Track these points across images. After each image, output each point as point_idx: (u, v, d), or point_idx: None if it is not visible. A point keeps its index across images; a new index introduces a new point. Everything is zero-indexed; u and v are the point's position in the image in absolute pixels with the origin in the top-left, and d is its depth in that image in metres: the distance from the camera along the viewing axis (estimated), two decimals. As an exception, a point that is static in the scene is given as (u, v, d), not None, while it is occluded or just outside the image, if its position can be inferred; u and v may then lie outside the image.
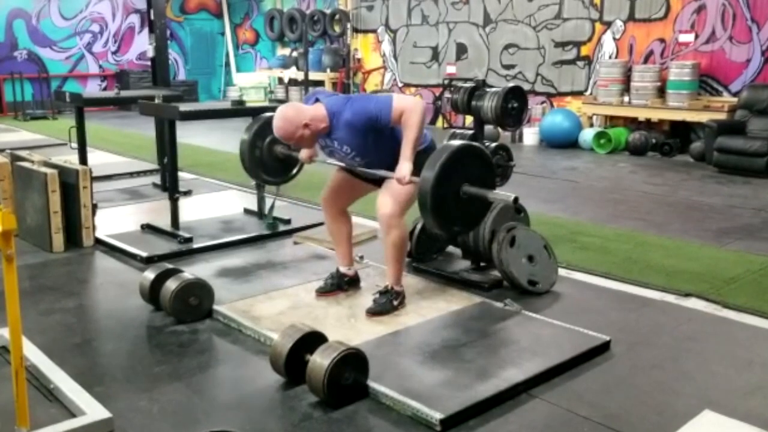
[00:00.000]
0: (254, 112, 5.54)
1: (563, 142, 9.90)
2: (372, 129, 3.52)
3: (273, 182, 4.41)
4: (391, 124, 3.52)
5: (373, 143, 3.58)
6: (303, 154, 3.95)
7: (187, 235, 5.08)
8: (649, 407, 2.86)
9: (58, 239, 4.91)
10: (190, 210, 5.94)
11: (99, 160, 8.10)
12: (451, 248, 4.65)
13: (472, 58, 11.63)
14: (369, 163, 3.67)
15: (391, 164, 3.54)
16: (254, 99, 13.19)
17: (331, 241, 4.29)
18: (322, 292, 3.99)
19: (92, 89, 14.86)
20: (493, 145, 4.32)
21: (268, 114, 4.40)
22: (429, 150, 3.79)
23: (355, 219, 4.22)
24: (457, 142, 3.28)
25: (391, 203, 3.60)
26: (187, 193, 6.51)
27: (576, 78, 10.42)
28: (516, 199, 3.16)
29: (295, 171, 4.45)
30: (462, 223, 3.31)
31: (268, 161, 4.27)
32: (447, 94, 11.14)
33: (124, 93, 7.04)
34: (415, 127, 3.46)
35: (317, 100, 3.64)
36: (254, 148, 4.21)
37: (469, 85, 4.42)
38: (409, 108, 3.46)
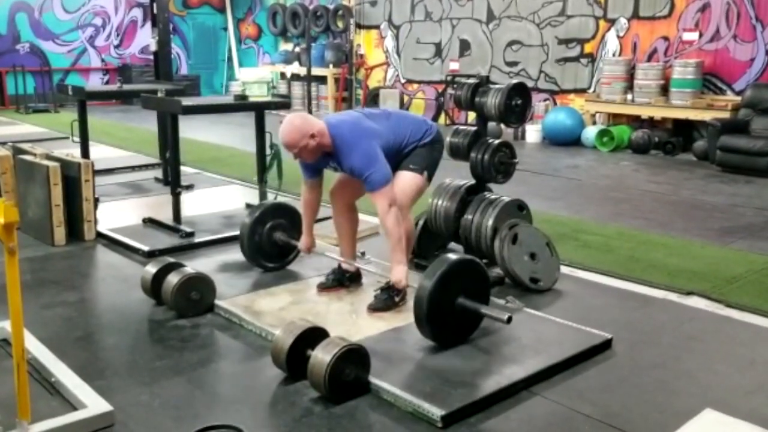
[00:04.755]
0: (257, 107, 5.56)
1: (566, 140, 9.89)
2: None
3: (269, 268, 4.33)
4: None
5: None
6: (302, 243, 4.04)
7: (188, 230, 5.08)
8: (651, 406, 2.85)
9: (59, 232, 4.91)
10: (192, 204, 5.94)
11: (101, 153, 8.09)
12: (453, 245, 4.64)
13: (476, 54, 11.60)
14: None
15: (394, 166, 3.66)
16: (257, 94, 13.15)
17: (334, 237, 4.29)
18: (324, 288, 3.99)
19: (94, 83, 14.85)
20: (496, 142, 4.30)
21: (268, 202, 4.60)
22: (435, 142, 3.81)
23: (356, 215, 4.22)
24: (455, 256, 3.27)
25: (398, 196, 3.61)
26: (189, 187, 6.50)
27: (579, 75, 10.40)
28: (509, 319, 3.13)
29: (291, 257, 4.39)
30: (454, 334, 3.27)
31: (267, 247, 4.27)
32: (450, 91, 11.13)
33: (127, 87, 7.02)
34: (389, 234, 3.52)
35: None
36: (254, 233, 4.22)
37: (472, 81, 4.40)
38: (381, 206, 3.49)
